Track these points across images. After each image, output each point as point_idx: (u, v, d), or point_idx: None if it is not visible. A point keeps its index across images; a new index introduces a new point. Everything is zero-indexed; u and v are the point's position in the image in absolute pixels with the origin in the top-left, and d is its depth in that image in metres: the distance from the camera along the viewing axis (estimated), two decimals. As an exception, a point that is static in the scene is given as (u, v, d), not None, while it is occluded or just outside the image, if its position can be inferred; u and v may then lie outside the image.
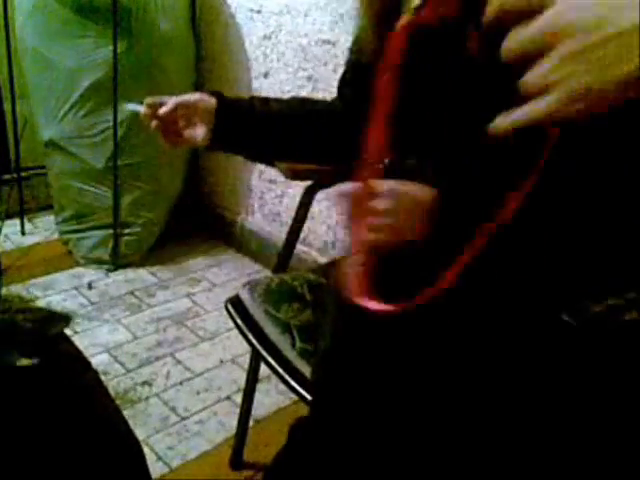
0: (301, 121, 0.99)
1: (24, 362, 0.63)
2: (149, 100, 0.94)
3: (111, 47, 1.84)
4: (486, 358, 0.66)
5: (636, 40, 0.41)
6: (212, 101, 0.94)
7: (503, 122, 0.48)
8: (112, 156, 1.99)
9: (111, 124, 1.94)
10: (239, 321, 1.08)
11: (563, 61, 0.44)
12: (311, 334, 1.04)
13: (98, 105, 1.93)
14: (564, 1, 0.44)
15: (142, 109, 0.94)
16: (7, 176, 2.26)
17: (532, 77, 0.45)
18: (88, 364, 0.82)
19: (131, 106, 0.96)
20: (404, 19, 0.72)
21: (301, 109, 1.01)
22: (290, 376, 0.98)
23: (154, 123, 0.93)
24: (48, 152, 2.06)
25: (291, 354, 1.01)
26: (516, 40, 0.46)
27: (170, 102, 0.93)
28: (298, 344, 1.02)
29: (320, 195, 1.31)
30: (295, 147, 1.00)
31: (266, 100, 1.01)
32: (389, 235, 0.66)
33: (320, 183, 1.29)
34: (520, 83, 0.46)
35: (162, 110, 0.92)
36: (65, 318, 0.69)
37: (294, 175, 1.21)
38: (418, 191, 0.66)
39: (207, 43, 2.23)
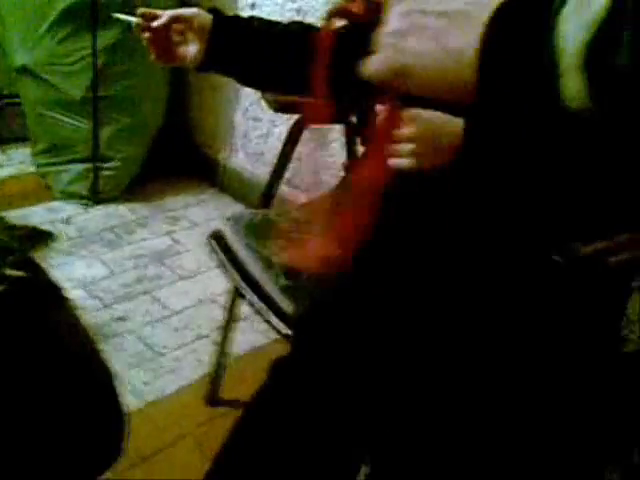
0: (301, 45, 0.94)
1: (15, 273, 0.60)
2: (142, 10, 0.89)
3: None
4: (478, 292, 0.65)
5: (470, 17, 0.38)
6: (208, 17, 0.90)
7: None
8: (91, 86, 1.91)
9: (90, 51, 1.85)
10: (221, 255, 1.06)
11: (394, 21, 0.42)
12: (294, 271, 1.02)
13: (76, 30, 1.83)
14: None
15: (134, 19, 0.89)
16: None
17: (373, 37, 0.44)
18: (62, 294, 0.79)
19: (122, 16, 0.91)
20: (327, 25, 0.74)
21: (302, 32, 0.96)
22: (271, 312, 0.97)
23: (146, 35, 0.88)
24: (21, 79, 1.97)
25: (273, 290, 0.99)
26: None
27: (164, 15, 0.88)
28: (281, 281, 1.00)
29: (307, 135, 1.27)
30: (291, 72, 0.95)
31: (265, 20, 0.96)
32: (412, 161, 0.65)
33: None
34: None
35: (156, 22, 0.88)
36: (48, 235, 0.65)
37: (281, 107, 1.16)
38: (445, 120, 0.64)
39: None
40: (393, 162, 0.67)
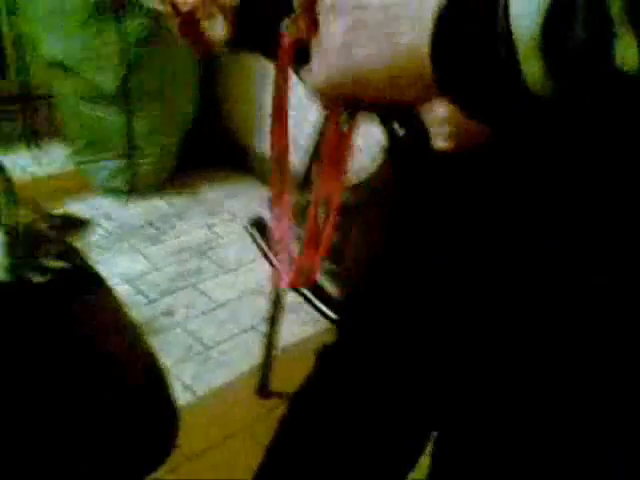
0: None
1: (58, 264, 0.58)
2: None
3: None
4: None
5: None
6: None
7: None
8: (124, 79, 1.89)
9: (121, 44, 1.83)
10: (262, 242, 1.02)
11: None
12: (338, 255, 0.98)
13: (106, 23, 1.81)
14: None
15: (161, 7, 0.86)
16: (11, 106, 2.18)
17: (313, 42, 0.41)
18: (107, 285, 0.77)
19: (151, 3, 0.88)
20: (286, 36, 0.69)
21: None
22: (317, 297, 0.93)
23: (176, 22, 0.85)
24: (54, 74, 1.96)
25: (319, 275, 0.95)
26: None
27: None
28: (326, 265, 0.95)
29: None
30: None
31: None
32: (450, 141, 0.61)
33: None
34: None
35: (184, 7, 0.85)
36: (84, 223, 0.63)
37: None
38: None
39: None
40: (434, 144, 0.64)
